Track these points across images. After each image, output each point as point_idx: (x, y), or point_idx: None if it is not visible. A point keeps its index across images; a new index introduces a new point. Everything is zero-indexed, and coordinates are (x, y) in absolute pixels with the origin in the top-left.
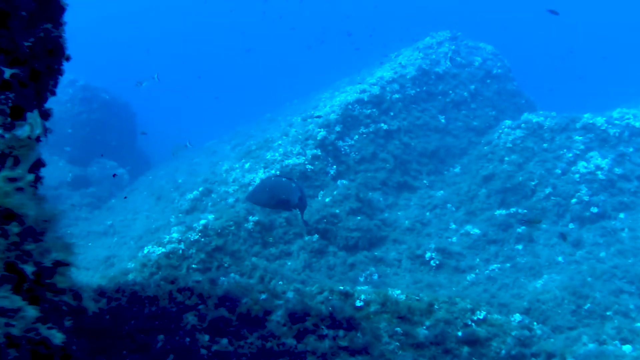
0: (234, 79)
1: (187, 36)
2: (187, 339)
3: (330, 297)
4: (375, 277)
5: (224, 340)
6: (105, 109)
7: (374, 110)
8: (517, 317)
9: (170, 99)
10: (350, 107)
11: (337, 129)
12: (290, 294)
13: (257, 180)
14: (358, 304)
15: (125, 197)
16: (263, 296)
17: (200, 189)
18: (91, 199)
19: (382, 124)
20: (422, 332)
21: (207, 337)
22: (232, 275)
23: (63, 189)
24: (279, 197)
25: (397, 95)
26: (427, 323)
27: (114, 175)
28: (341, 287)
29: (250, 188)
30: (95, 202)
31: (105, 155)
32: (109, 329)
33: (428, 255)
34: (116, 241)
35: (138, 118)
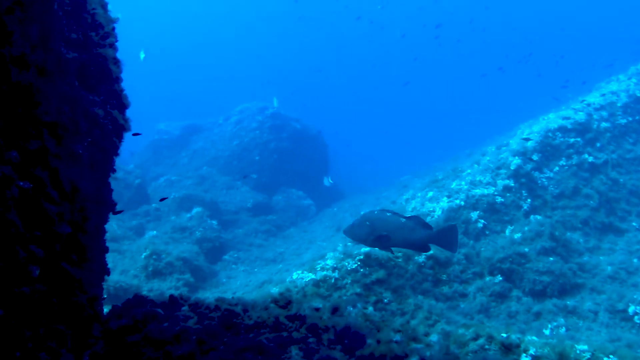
0: (410, 108)
1: (365, 63)
2: None
3: (487, 346)
4: (563, 330)
5: None
6: (296, 138)
7: (578, 139)
8: None
9: (365, 131)
10: (550, 134)
11: (535, 158)
12: (434, 337)
13: (438, 210)
14: (524, 358)
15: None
16: (396, 337)
17: None
18: (269, 226)
19: (587, 156)
20: None
21: None
22: (359, 305)
23: (242, 214)
24: (379, 233)
25: (605, 124)
26: None
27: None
28: (504, 335)
29: (429, 218)
30: (274, 229)
31: (293, 185)
32: (192, 356)
33: (632, 309)
34: (280, 268)
35: (330, 150)
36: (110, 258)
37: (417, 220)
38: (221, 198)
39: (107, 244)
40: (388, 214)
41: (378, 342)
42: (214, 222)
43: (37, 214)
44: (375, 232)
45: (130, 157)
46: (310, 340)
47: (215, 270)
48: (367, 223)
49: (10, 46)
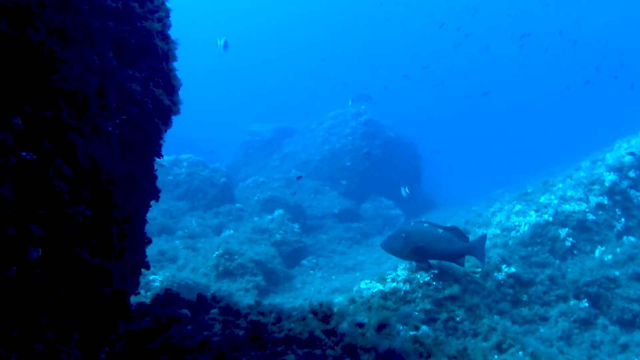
0: (498, 118)
1: (452, 71)
2: None
3: None
4: None
5: None
6: (389, 146)
7: None
8: None
9: (453, 139)
10: None
11: (631, 174)
12: None
13: (524, 225)
14: None
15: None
16: None
17: None
18: (355, 233)
19: None
20: None
21: None
22: (408, 325)
23: (328, 219)
24: (415, 244)
25: None
26: None
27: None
28: None
29: (513, 233)
30: (359, 237)
31: (383, 194)
32: None
33: None
34: (357, 276)
35: (424, 161)
36: (183, 254)
37: (455, 232)
38: (308, 202)
39: (184, 241)
40: (425, 225)
41: None
42: (295, 225)
43: (41, 190)
44: (410, 244)
45: (210, 155)
46: None
47: (292, 274)
48: (403, 235)
49: None
